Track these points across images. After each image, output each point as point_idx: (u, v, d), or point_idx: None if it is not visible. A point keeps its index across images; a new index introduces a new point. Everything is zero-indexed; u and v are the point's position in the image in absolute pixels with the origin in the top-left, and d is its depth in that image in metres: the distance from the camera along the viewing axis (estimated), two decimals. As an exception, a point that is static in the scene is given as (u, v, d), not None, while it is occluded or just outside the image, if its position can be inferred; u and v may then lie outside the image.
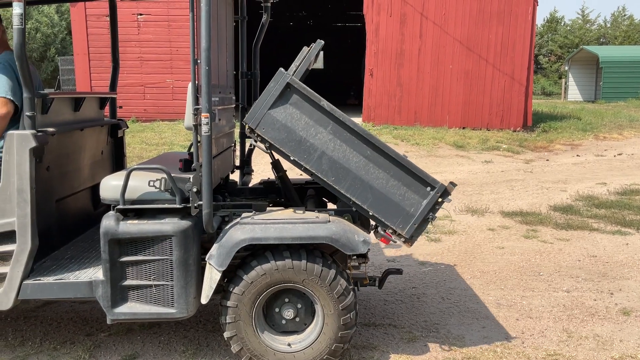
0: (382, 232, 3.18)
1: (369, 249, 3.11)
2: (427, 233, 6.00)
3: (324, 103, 3.10)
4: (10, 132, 2.96)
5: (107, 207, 4.18)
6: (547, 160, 11.50)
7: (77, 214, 3.76)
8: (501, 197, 7.83)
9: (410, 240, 3.16)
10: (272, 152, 3.29)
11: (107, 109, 4.34)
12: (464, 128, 13.81)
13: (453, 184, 3.16)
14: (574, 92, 29.10)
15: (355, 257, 3.50)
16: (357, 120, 14.11)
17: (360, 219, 3.72)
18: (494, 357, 3.37)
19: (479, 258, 5.25)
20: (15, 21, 2.90)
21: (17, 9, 2.88)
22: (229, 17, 3.95)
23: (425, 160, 10.79)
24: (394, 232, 3.16)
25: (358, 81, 22.72)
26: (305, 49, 3.31)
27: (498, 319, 3.93)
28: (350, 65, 25.10)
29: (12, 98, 3.03)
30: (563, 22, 41.47)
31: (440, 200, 3.11)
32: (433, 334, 3.67)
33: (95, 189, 4.04)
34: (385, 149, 3.11)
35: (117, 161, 4.38)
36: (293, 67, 3.19)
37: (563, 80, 31.84)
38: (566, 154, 12.28)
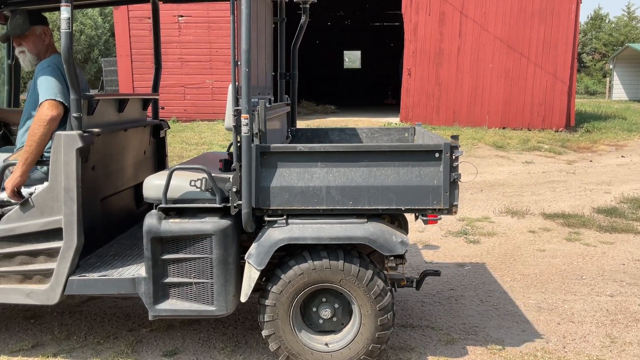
0: (424, 217, 3.12)
1: (406, 250, 3.10)
2: (466, 234, 5.93)
3: (299, 147, 3.06)
4: (57, 132, 3.06)
5: (149, 206, 4.29)
6: (591, 161, 11.20)
7: (120, 213, 3.86)
8: (542, 198, 7.68)
9: (452, 209, 3.08)
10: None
11: (149, 109, 4.44)
12: (504, 128, 13.59)
13: (455, 137, 3.08)
14: (618, 91, 28.26)
15: (392, 258, 3.49)
16: (395, 120, 14.04)
17: (398, 220, 3.73)
18: (534, 361, 3.32)
19: (519, 260, 5.16)
20: (63, 25, 2.99)
21: (64, 13, 2.97)
22: (269, 19, 3.99)
23: (464, 160, 10.65)
24: (434, 210, 3.10)
25: (395, 81, 22.60)
26: None
27: (539, 322, 3.86)
28: (388, 65, 24.97)
29: (61, 100, 3.12)
30: (608, 20, 40.31)
31: (454, 157, 3.05)
32: (472, 337, 3.64)
33: (137, 188, 4.14)
34: (375, 148, 3.07)
35: (159, 161, 4.48)
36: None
37: (607, 79, 30.96)
38: (610, 155, 11.94)
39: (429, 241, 5.76)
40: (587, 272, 4.85)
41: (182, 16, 13.91)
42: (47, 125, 3.03)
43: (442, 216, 3.12)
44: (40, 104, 3.07)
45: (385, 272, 3.33)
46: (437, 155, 3.02)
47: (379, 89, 24.52)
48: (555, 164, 10.77)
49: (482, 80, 13.60)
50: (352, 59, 31.32)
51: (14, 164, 3.14)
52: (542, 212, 6.83)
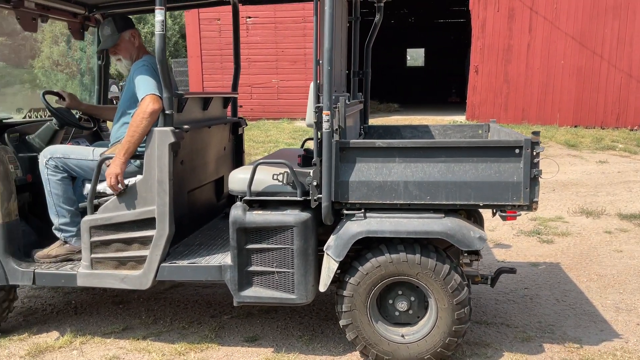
0: (503, 214, 3.14)
1: (482, 247, 3.12)
2: (539, 234, 5.84)
3: (378, 142, 3.13)
4: (152, 128, 3.26)
5: (228, 200, 4.49)
6: (670, 160, 10.69)
7: (203, 205, 4.06)
8: (618, 198, 7.42)
9: (532, 205, 3.07)
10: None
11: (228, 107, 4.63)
12: (575, 126, 13.17)
13: (536, 133, 3.06)
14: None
15: (467, 254, 3.52)
16: (461, 118, 13.87)
17: (474, 216, 3.75)
18: (613, 360, 3.27)
19: (595, 261, 5.04)
20: (157, 27, 3.19)
21: (158, 16, 3.17)
22: (344, 18, 4.09)
23: (544, 157, 10.40)
24: (513, 206, 3.10)
25: (460, 79, 22.27)
26: None
27: (617, 322, 3.79)
28: (452, 62, 24.62)
29: (160, 95, 3.31)
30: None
31: (535, 153, 3.04)
32: (548, 335, 3.61)
33: (218, 182, 4.34)
34: (454, 144, 3.09)
35: (236, 157, 4.67)
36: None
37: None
38: (691, 155, 11.35)
39: (501, 240, 5.71)
40: (668, 274, 4.69)
41: (250, 17, 14.25)
42: (149, 118, 3.23)
43: (520, 214, 3.13)
44: (142, 98, 3.27)
45: (460, 268, 3.35)
46: (517, 151, 3.03)
47: (443, 87, 24.19)
48: (631, 163, 10.35)
49: (553, 77, 13.22)
50: (415, 56, 31.04)
51: (110, 158, 3.36)
52: (619, 213, 6.62)
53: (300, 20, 14.35)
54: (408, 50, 28.15)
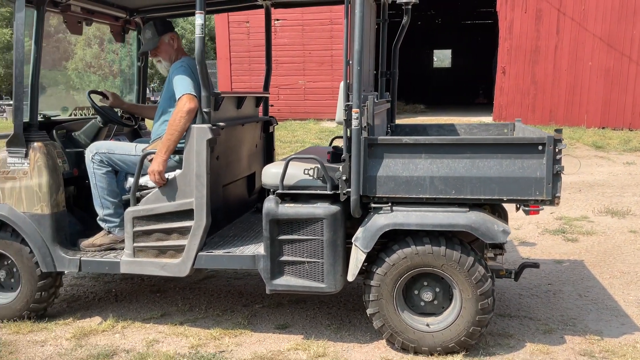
0: (527, 208, 3.25)
1: (506, 241, 3.24)
2: (564, 233, 5.90)
3: (405, 139, 3.27)
4: (191, 125, 3.46)
5: (258, 195, 4.68)
6: (700, 162, 10.57)
7: (236, 199, 4.25)
8: (645, 199, 7.42)
9: (554, 200, 3.19)
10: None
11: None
12: (603, 128, 13.08)
13: (558, 131, 3.17)
14: None
15: (491, 248, 3.64)
16: (487, 119, 13.88)
17: (498, 211, 3.86)
18: (632, 352, 3.35)
19: (619, 259, 5.10)
20: (197, 30, 3.39)
21: (198, 19, 3.37)
22: (373, 21, 4.24)
23: (565, 162, 10.39)
24: (536, 201, 3.22)
25: (487, 80, 22.18)
26: None
27: (638, 317, 3.86)
28: (479, 63, 24.52)
29: (196, 95, 3.51)
30: None
31: (557, 150, 3.14)
32: (570, 328, 3.71)
33: (250, 178, 4.53)
34: (479, 140, 3.22)
35: (267, 154, 4.85)
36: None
37: None
38: None
39: (526, 238, 5.79)
40: (693, 272, 4.73)
41: (278, 20, 14.48)
42: (186, 116, 3.43)
43: (543, 207, 3.25)
44: (179, 98, 3.48)
45: (484, 260, 3.48)
46: (540, 148, 3.15)
47: (470, 88, 24.13)
48: (660, 165, 10.27)
49: (581, 78, 13.16)
50: (442, 57, 30.98)
51: (152, 153, 3.58)
52: (645, 213, 6.63)
53: (328, 22, 14.52)
54: (435, 51, 28.12)
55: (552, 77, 13.29)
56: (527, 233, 5.96)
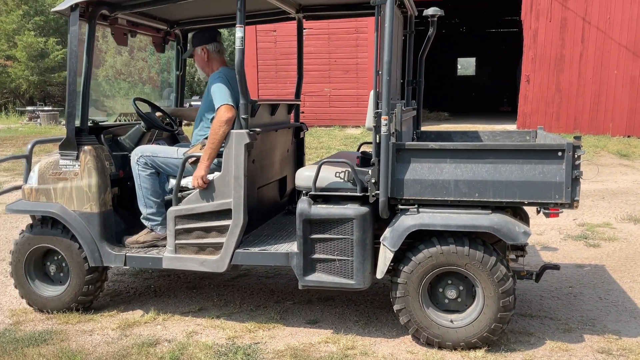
0: (547, 211, 3.42)
1: (527, 242, 3.41)
2: (586, 238, 6.02)
3: (431, 145, 3.47)
4: (230, 130, 3.71)
5: (289, 197, 4.91)
6: None
7: (269, 201, 4.49)
8: (669, 207, 7.47)
9: (574, 204, 3.34)
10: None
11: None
12: (629, 136, 13.07)
13: (577, 137, 3.33)
14: None
15: (513, 249, 3.81)
16: (511, 127, 13.96)
17: (519, 214, 4.03)
18: (651, 351, 3.49)
19: (640, 264, 5.21)
20: (238, 43, 3.64)
21: (239, 32, 3.62)
22: (400, 32, 4.45)
23: (585, 168, 10.44)
24: (556, 204, 3.37)
25: (511, 88, 22.20)
26: None
27: (658, 320, 3.99)
28: (503, 71, 24.55)
29: (233, 104, 3.76)
30: None
31: (576, 155, 3.29)
32: (589, 327, 3.85)
33: (282, 181, 4.77)
34: (501, 146, 3.39)
35: (298, 158, 5.09)
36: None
37: None
38: None
39: (548, 243, 5.92)
40: None
41: (305, 29, 14.76)
42: (225, 125, 3.69)
43: (562, 210, 3.42)
44: (218, 108, 3.74)
45: (506, 261, 3.65)
46: (560, 154, 3.32)
47: (494, 96, 24.17)
48: (686, 174, 10.25)
49: (606, 87, 13.18)
50: (466, 65, 31.03)
51: (192, 156, 3.83)
52: (668, 220, 6.70)
53: (353, 32, 14.77)
54: (459, 59, 28.20)
55: (577, 85, 13.33)
56: (549, 238, 6.08)
